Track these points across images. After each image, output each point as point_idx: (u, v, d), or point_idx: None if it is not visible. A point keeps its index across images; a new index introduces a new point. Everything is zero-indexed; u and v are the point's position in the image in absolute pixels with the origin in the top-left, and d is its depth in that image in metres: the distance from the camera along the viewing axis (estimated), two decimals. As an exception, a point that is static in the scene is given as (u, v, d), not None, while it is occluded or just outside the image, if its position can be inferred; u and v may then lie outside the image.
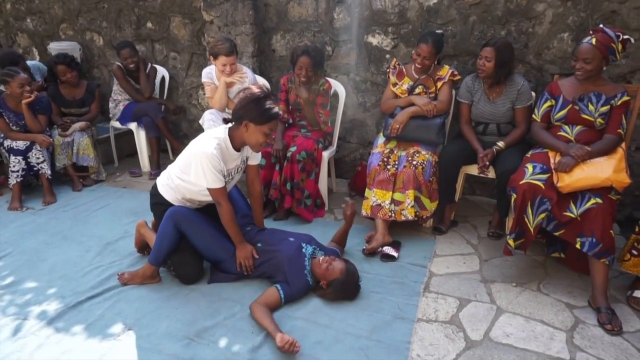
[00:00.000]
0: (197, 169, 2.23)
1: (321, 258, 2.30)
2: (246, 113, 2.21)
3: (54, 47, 4.37)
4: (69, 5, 4.56)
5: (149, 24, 4.28)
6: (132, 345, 1.99)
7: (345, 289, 2.26)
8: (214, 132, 2.36)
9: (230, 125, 2.33)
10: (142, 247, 2.67)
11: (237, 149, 2.34)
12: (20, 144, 3.41)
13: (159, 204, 2.45)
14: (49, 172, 3.47)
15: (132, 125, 3.99)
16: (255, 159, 2.53)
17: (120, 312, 2.20)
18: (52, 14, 4.68)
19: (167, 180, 2.43)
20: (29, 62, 4.05)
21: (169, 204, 2.40)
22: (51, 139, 3.55)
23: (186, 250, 2.38)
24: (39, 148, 3.45)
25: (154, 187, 2.49)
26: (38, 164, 3.44)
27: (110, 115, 4.14)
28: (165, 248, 2.31)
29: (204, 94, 3.88)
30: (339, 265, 2.26)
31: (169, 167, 2.47)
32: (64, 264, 2.61)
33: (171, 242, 2.31)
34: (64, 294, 2.33)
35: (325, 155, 3.20)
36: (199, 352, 1.94)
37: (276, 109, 2.27)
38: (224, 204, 2.31)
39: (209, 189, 2.28)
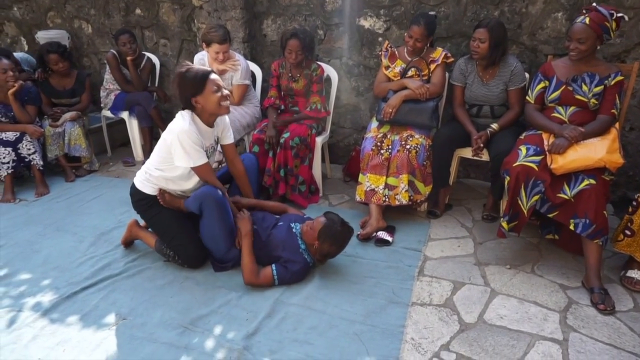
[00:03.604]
0: (178, 150, 2.23)
1: (303, 226, 2.34)
2: (186, 92, 2.25)
3: (42, 36, 4.29)
4: (55, -8, 4.47)
5: (138, 11, 4.21)
6: (126, 334, 1.99)
7: (334, 231, 2.25)
8: (178, 115, 2.34)
9: (186, 111, 2.33)
10: (129, 243, 2.66)
11: (209, 124, 2.37)
12: (10, 135, 3.37)
13: (140, 200, 2.45)
14: (40, 163, 3.43)
15: (124, 115, 3.95)
16: (228, 137, 2.54)
17: (114, 302, 2.20)
18: (39, 2, 4.59)
19: (145, 175, 2.43)
20: (16, 54, 3.97)
21: (151, 197, 2.41)
22: (42, 129, 3.51)
23: (184, 233, 2.40)
24: (29, 139, 3.41)
25: (132, 187, 2.49)
26: (29, 155, 3.40)
27: (102, 105, 4.08)
28: (192, 209, 2.35)
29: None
30: (319, 218, 2.30)
31: (146, 163, 2.48)
32: (57, 255, 2.60)
33: (194, 210, 2.35)
34: (58, 285, 2.33)
35: (319, 140, 3.18)
36: (193, 340, 1.94)
37: (201, 68, 2.29)
38: (212, 181, 2.34)
39: (195, 169, 2.29)
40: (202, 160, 2.28)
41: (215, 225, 2.32)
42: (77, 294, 2.26)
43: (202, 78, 2.24)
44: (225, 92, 2.31)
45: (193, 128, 2.25)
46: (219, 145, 2.56)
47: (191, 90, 2.24)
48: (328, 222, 2.26)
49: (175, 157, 2.27)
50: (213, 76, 2.28)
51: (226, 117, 2.52)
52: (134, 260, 2.54)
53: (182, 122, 2.25)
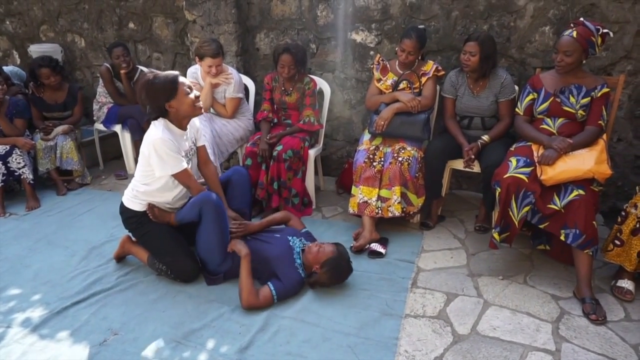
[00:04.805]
0: (156, 159, 2.22)
1: (310, 244, 2.34)
2: (159, 100, 2.22)
3: (35, 50, 4.30)
4: (48, 6, 4.49)
5: (131, 25, 4.23)
6: (118, 350, 1.96)
7: (338, 266, 2.27)
8: (151, 126, 2.31)
9: (158, 120, 2.30)
10: (121, 258, 2.65)
11: (182, 127, 2.35)
12: (0, 149, 3.35)
13: (130, 217, 2.45)
14: (30, 176, 3.41)
15: (117, 128, 3.94)
16: (201, 139, 2.53)
17: (106, 317, 2.17)
18: (31, 15, 4.61)
19: (132, 192, 2.43)
20: (6, 68, 3.96)
21: (140, 214, 2.41)
22: (33, 142, 3.50)
23: (176, 248, 2.39)
24: (19, 152, 3.38)
25: (121, 205, 2.49)
26: (19, 168, 3.37)
27: (95, 118, 4.08)
28: (189, 218, 2.35)
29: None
30: (329, 247, 2.30)
31: (131, 181, 2.47)
32: (48, 270, 2.58)
33: (192, 218, 2.35)
34: (49, 300, 2.30)
35: (312, 153, 3.19)
36: (186, 355, 1.92)
37: (168, 72, 2.26)
38: (194, 185, 2.34)
39: (175, 176, 2.28)
40: (180, 166, 2.26)
41: (212, 230, 2.30)
42: (67, 309, 2.23)
43: (173, 82, 2.21)
44: (197, 92, 2.30)
45: (167, 135, 2.23)
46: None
47: (164, 96, 2.21)
48: (337, 255, 2.26)
49: (154, 167, 2.26)
50: (182, 79, 2.26)
51: (196, 120, 2.50)
52: (126, 274, 2.52)
53: (155, 132, 2.23)
